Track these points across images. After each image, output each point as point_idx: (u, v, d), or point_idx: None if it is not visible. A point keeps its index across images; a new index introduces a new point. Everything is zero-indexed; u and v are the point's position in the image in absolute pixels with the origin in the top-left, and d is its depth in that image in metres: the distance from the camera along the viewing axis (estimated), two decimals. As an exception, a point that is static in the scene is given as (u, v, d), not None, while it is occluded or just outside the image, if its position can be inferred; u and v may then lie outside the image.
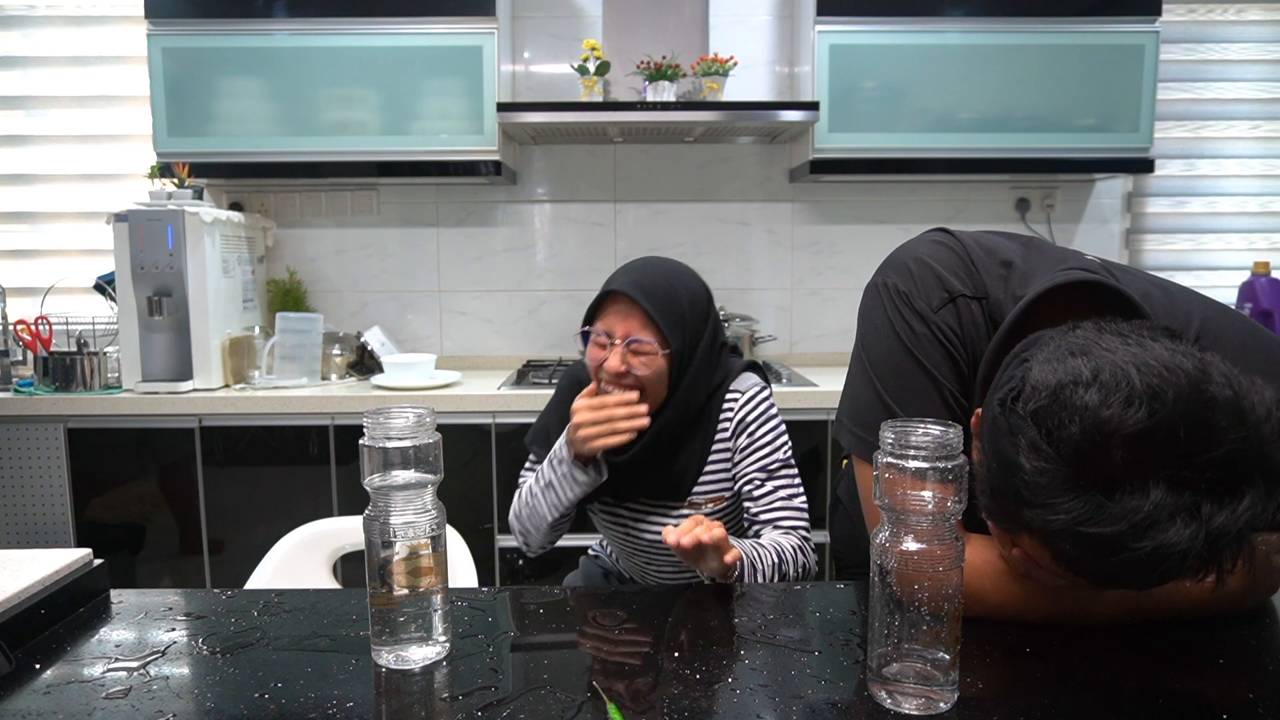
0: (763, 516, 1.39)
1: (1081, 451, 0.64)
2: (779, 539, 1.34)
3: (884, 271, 1.00)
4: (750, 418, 1.43)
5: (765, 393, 1.47)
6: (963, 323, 0.93)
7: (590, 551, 1.69)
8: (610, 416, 1.31)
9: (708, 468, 1.43)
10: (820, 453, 2.31)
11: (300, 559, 1.42)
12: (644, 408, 1.34)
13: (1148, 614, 0.85)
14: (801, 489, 1.42)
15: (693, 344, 1.41)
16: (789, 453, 1.44)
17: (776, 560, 1.29)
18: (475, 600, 0.95)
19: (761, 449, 1.43)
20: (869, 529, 0.98)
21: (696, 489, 1.43)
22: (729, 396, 1.44)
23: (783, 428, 1.45)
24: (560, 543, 1.56)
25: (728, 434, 1.43)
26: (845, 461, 1.11)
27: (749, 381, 1.47)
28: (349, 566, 2.12)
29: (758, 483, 1.41)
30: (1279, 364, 0.85)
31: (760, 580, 1.26)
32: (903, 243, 1.02)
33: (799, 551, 1.33)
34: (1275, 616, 0.91)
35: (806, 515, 1.40)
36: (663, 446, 1.42)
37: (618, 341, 1.36)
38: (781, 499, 1.40)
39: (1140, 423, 0.62)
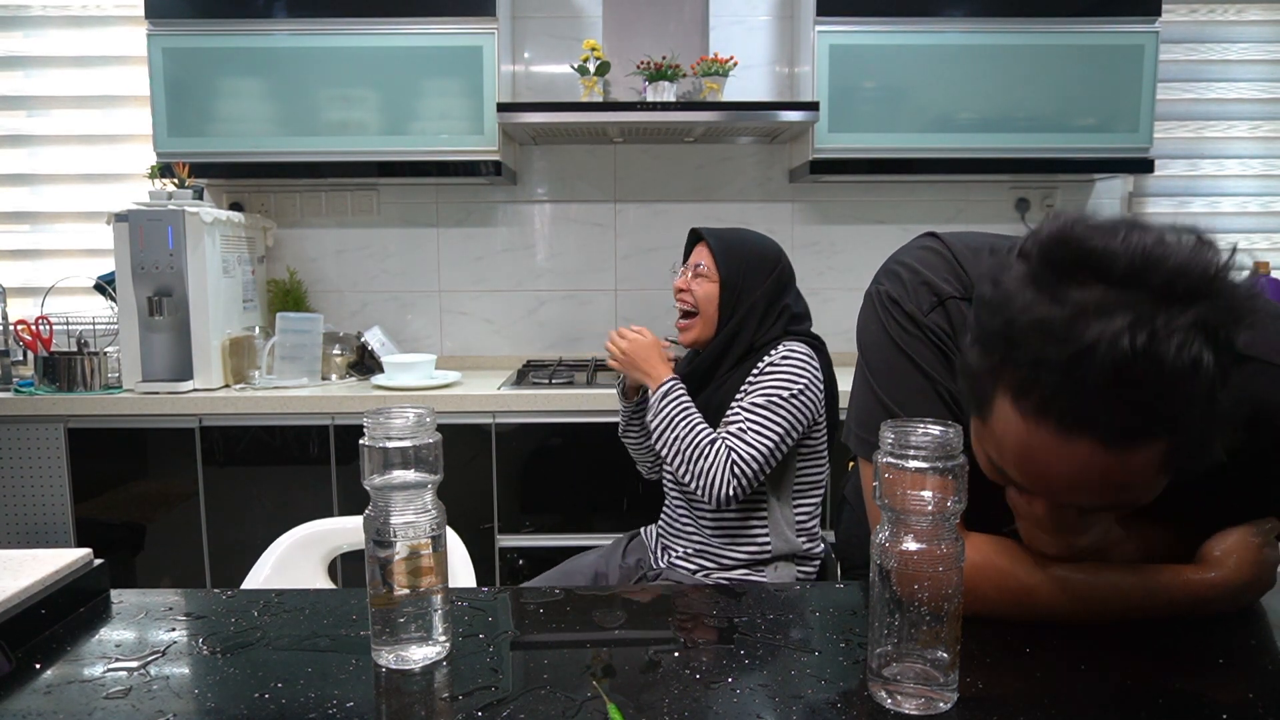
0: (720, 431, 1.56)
1: (1048, 247, 0.69)
2: (705, 430, 1.52)
3: (877, 279, 1.02)
4: (767, 365, 1.56)
5: (796, 351, 1.57)
6: (954, 324, 0.93)
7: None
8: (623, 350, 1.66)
9: (732, 406, 1.58)
10: (820, 453, 2.30)
11: (296, 559, 1.42)
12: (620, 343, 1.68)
13: (1148, 611, 0.86)
14: (763, 430, 1.51)
15: (750, 285, 1.61)
16: (773, 398, 1.53)
17: (688, 429, 1.51)
18: (475, 600, 0.95)
19: (754, 387, 1.55)
20: (871, 526, 0.98)
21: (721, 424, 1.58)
22: (773, 352, 1.57)
23: (787, 379, 1.54)
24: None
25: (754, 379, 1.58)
26: (850, 464, 1.13)
27: (792, 344, 1.58)
28: (349, 566, 2.12)
29: (732, 412, 1.55)
30: None
31: (655, 420, 1.56)
32: (897, 249, 1.03)
33: (708, 447, 1.50)
34: (1276, 619, 0.92)
35: (752, 452, 1.50)
36: (704, 375, 1.62)
37: (684, 269, 1.68)
38: (737, 422, 1.53)
39: (1138, 244, 0.66)
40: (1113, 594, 0.86)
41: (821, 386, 1.59)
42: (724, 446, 1.50)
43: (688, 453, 1.52)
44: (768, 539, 1.60)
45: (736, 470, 1.49)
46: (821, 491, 1.67)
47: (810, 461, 1.64)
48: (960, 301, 0.93)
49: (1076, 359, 0.65)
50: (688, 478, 1.52)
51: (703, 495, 1.51)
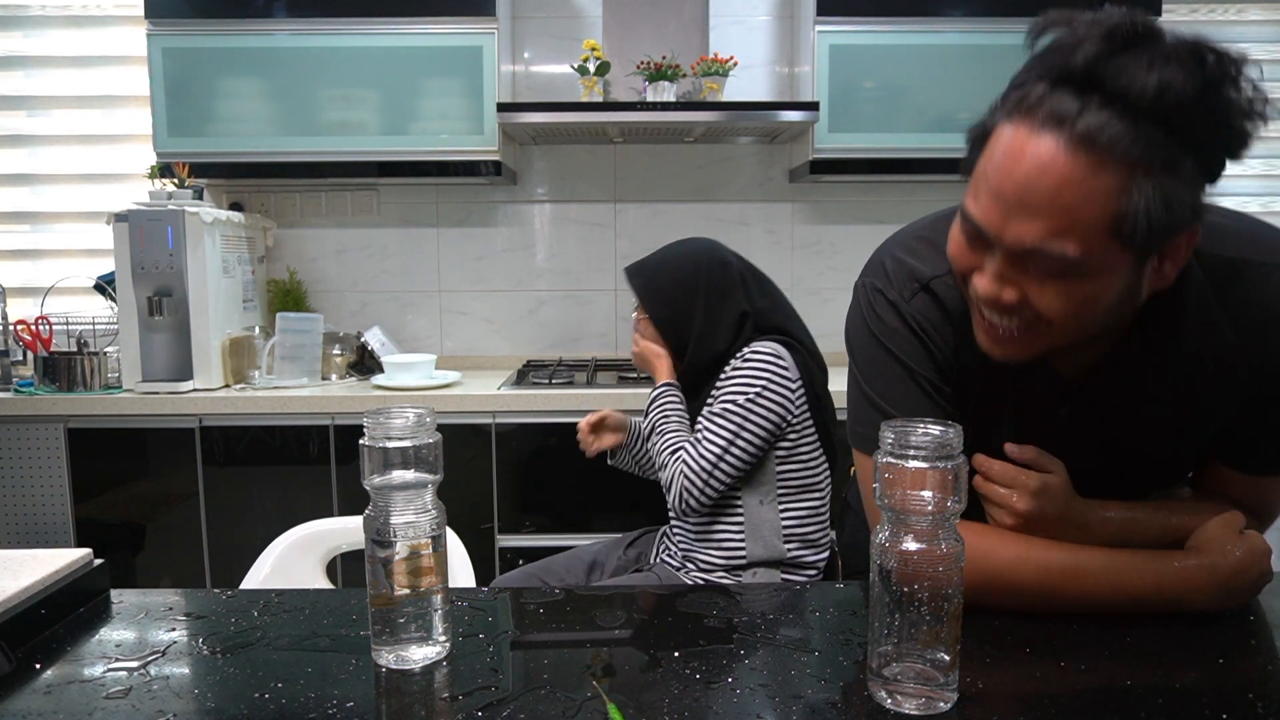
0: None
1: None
2: (674, 439, 1.58)
3: (862, 273, 1.02)
4: (730, 370, 1.56)
5: (757, 353, 1.56)
6: (943, 304, 0.93)
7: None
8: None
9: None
10: (820, 453, 2.30)
11: (296, 559, 1.42)
12: (590, 439, 1.76)
13: (1135, 595, 0.85)
14: (712, 436, 1.53)
15: (684, 314, 1.61)
16: (726, 403, 1.54)
17: (660, 438, 1.59)
18: (475, 600, 0.95)
19: (716, 396, 1.56)
20: (871, 525, 1.01)
21: None
22: (735, 357, 1.57)
23: (743, 383, 1.54)
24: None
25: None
26: (852, 469, 1.14)
27: (756, 345, 1.57)
28: (349, 566, 2.12)
29: (698, 422, 1.59)
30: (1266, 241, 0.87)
31: (645, 427, 1.65)
32: (887, 237, 1.04)
33: (669, 457, 1.55)
34: (1276, 619, 0.92)
35: (698, 459, 1.53)
36: (690, 394, 1.65)
37: (634, 313, 1.71)
38: (695, 431, 1.56)
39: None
40: (1094, 572, 0.85)
41: (791, 383, 1.54)
42: (680, 456, 1.54)
43: (657, 460, 1.59)
44: (742, 544, 1.57)
45: (685, 478, 1.52)
46: (820, 496, 1.62)
47: (795, 463, 1.58)
48: (945, 278, 0.92)
49: (1065, 64, 0.71)
50: (662, 484, 1.58)
51: (668, 502, 1.56)
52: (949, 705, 0.70)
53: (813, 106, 2.39)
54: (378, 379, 2.46)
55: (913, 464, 0.69)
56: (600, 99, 2.51)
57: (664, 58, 2.47)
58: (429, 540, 0.79)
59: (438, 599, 0.80)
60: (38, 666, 0.79)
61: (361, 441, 0.78)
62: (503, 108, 2.38)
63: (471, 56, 2.45)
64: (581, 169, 2.83)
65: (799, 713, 0.70)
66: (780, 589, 0.99)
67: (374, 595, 0.79)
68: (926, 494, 0.69)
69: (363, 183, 2.79)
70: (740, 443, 1.51)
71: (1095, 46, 0.70)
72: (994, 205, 0.75)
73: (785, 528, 1.58)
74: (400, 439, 0.77)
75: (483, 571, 2.29)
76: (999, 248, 0.76)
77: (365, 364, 2.60)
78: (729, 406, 1.52)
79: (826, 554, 1.63)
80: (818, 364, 1.63)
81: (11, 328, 2.48)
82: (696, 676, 0.76)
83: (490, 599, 0.96)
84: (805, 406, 1.57)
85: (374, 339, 2.60)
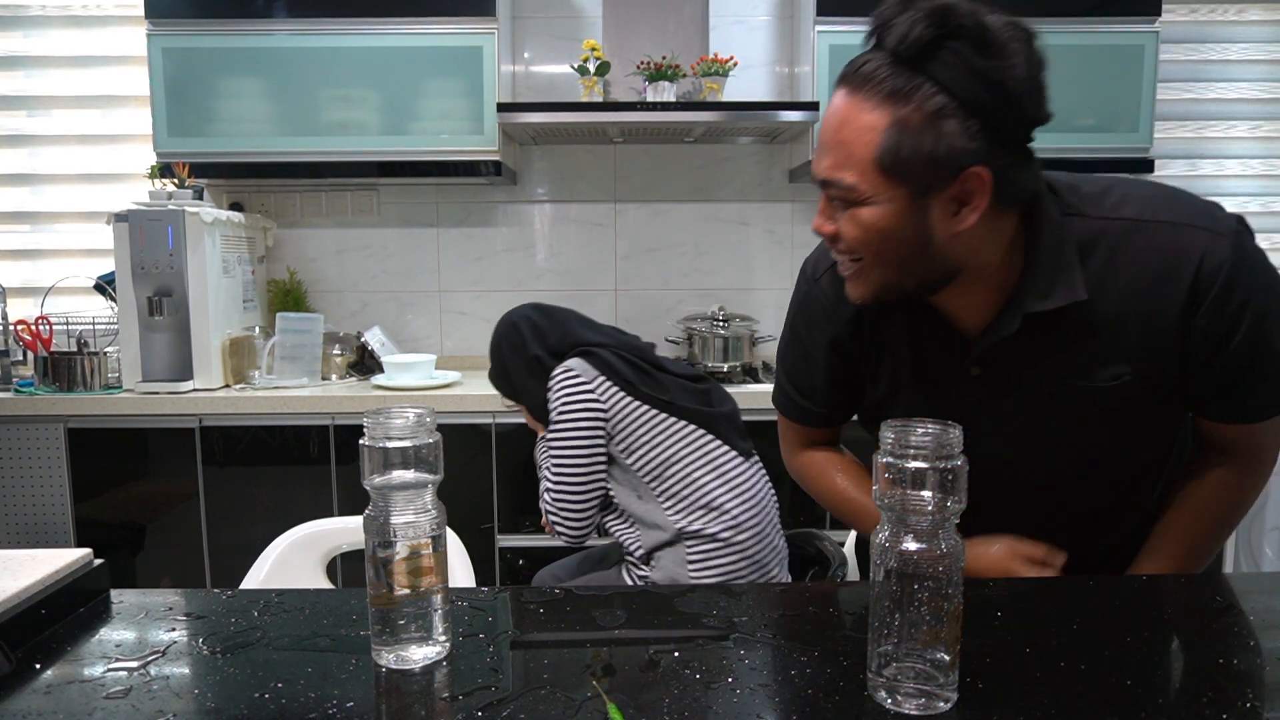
0: None
1: None
2: None
3: None
4: None
5: (551, 379, 1.63)
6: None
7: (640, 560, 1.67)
8: None
9: None
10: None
11: (295, 559, 1.42)
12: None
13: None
14: (548, 474, 1.61)
15: (508, 385, 1.74)
16: (548, 436, 1.62)
17: None
18: (475, 600, 0.95)
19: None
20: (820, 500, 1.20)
21: None
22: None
23: (551, 411, 1.60)
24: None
25: None
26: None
27: (553, 375, 1.64)
28: (349, 566, 2.12)
29: None
30: (1182, 205, 0.94)
31: None
32: None
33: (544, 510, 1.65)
34: (1275, 619, 0.92)
35: (547, 496, 1.62)
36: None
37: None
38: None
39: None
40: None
41: (588, 387, 1.57)
42: (542, 501, 1.67)
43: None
44: (637, 539, 1.60)
45: (549, 518, 1.65)
46: (695, 460, 1.57)
47: (644, 447, 1.57)
48: (819, 278, 1.08)
49: (869, 32, 0.89)
50: None
51: None
52: (949, 705, 0.70)
53: (813, 106, 2.39)
54: (378, 379, 2.46)
55: (913, 464, 0.69)
56: (600, 99, 2.51)
57: (664, 58, 2.47)
58: (429, 540, 0.79)
59: (438, 599, 0.80)
60: (38, 666, 0.79)
61: (361, 441, 0.78)
62: (503, 108, 2.38)
63: (471, 56, 2.45)
64: (581, 169, 2.83)
65: (799, 713, 0.70)
66: (780, 589, 0.99)
67: (374, 595, 0.79)
68: (926, 494, 0.69)
69: (363, 183, 2.79)
70: (567, 466, 1.58)
71: (889, 12, 0.85)
72: (815, 155, 0.92)
73: (672, 506, 1.57)
74: (400, 439, 0.77)
75: (483, 571, 2.29)
76: (819, 186, 0.91)
77: (365, 364, 2.60)
78: (547, 440, 1.63)
79: (730, 518, 1.57)
80: (633, 351, 1.66)
81: (12, 328, 2.48)
82: (696, 676, 0.76)
83: (490, 599, 0.96)
84: (621, 395, 1.58)
85: (374, 339, 2.60)
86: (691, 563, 1.55)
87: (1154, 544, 1.05)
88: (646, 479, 1.58)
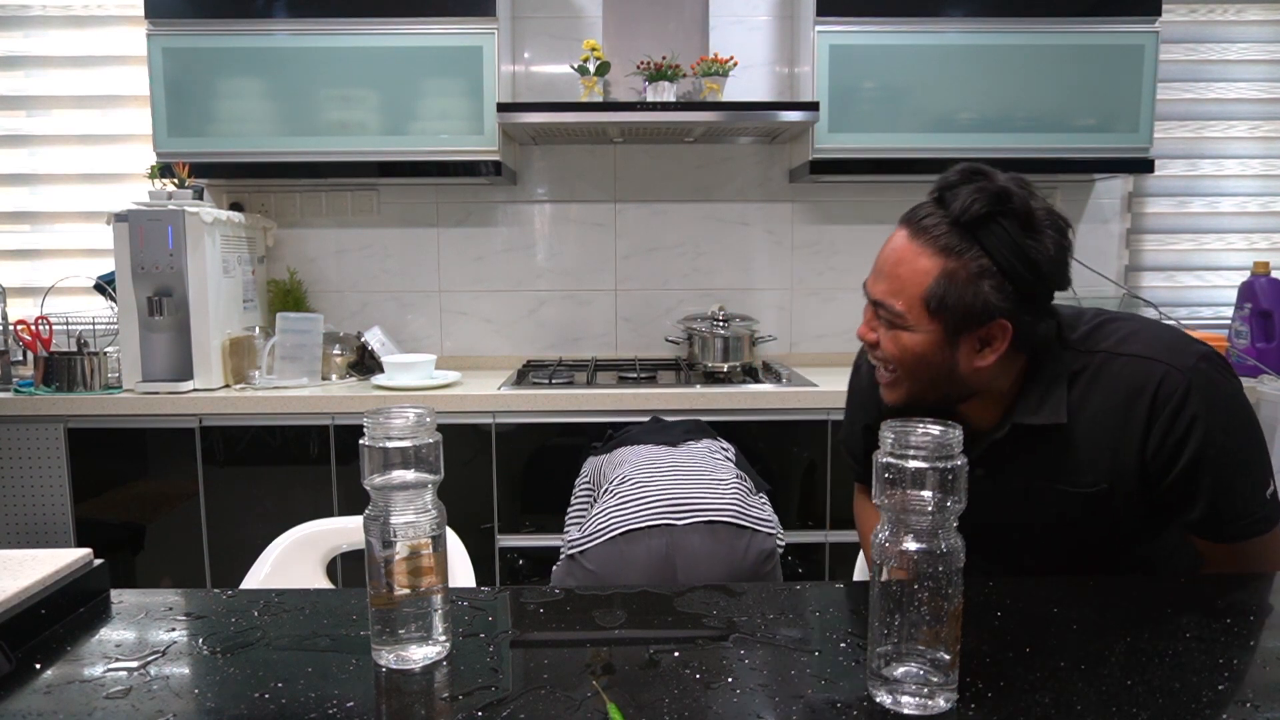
0: None
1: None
2: None
3: None
4: None
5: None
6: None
7: (571, 553, 1.67)
8: None
9: None
10: (820, 453, 2.30)
11: (295, 559, 1.42)
12: None
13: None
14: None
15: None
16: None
17: None
18: (475, 600, 0.95)
19: None
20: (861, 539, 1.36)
21: None
22: None
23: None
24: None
25: None
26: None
27: None
28: (349, 566, 2.12)
29: None
30: (1155, 340, 1.09)
31: None
32: None
33: None
34: (1275, 619, 0.92)
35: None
36: None
37: None
38: None
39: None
40: None
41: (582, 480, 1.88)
42: None
43: None
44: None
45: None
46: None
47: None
48: (862, 369, 1.29)
49: (936, 189, 1.05)
50: None
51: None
52: (949, 705, 0.70)
53: (813, 106, 2.39)
54: (378, 379, 2.46)
55: (913, 464, 0.69)
56: (600, 99, 2.51)
57: (664, 58, 2.47)
58: (429, 540, 0.79)
59: (438, 599, 0.80)
60: (38, 666, 0.79)
61: (361, 441, 0.78)
62: (503, 108, 2.38)
63: (471, 56, 2.45)
64: (581, 169, 2.83)
65: (799, 713, 0.70)
66: (780, 589, 0.99)
67: (374, 595, 0.79)
68: (926, 494, 0.69)
69: (363, 183, 2.79)
70: None
71: (954, 178, 1.04)
72: (871, 275, 1.10)
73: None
74: (400, 439, 0.77)
75: (483, 571, 2.29)
76: (869, 302, 1.10)
77: (365, 364, 2.60)
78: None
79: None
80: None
81: (11, 328, 2.48)
82: (696, 676, 0.76)
83: (490, 599, 0.96)
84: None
85: (374, 339, 2.60)
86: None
87: None
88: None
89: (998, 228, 1.00)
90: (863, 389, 1.29)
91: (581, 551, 1.58)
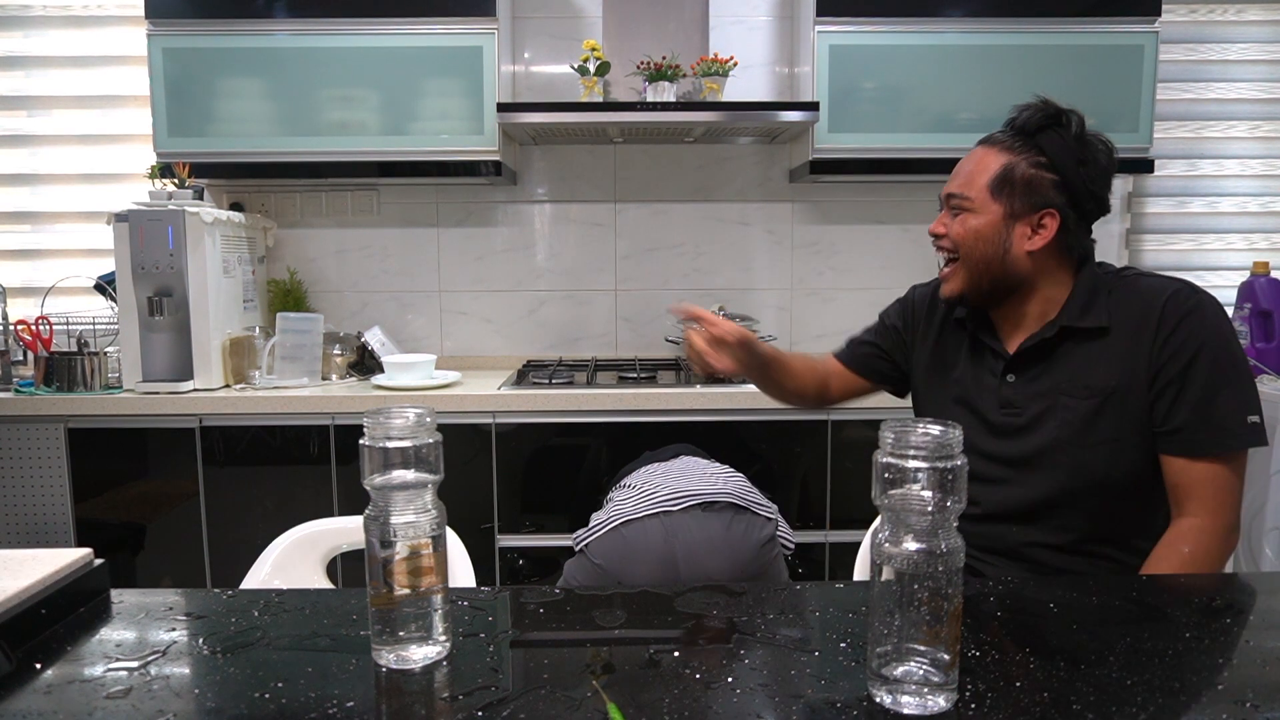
0: None
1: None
2: None
3: None
4: None
5: None
6: (931, 294, 1.44)
7: (579, 546, 1.67)
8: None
9: None
10: (820, 453, 2.31)
11: (296, 559, 1.42)
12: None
13: None
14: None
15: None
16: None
17: None
18: (475, 600, 0.95)
19: None
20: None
21: None
22: None
23: None
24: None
25: None
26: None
27: None
28: (349, 566, 2.12)
29: None
30: (1167, 276, 1.27)
31: None
32: None
33: None
34: (1275, 619, 0.92)
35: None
36: None
37: None
38: None
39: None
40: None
41: None
42: None
43: None
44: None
45: None
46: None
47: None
48: (918, 289, 1.49)
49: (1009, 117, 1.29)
50: None
51: None
52: (949, 705, 0.70)
53: (813, 106, 2.39)
54: (378, 379, 2.46)
55: (913, 464, 0.69)
56: (600, 99, 2.51)
57: (664, 58, 2.47)
58: (429, 540, 0.79)
59: (438, 599, 0.80)
60: (38, 666, 0.79)
61: (362, 441, 0.78)
62: (503, 108, 2.38)
63: (471, 56, 2.45)
64: (581, 169, 2.83)
65: (799, 713, 0.70)
66: (780, 589, 0.99)
67: (374, 595, 0.79)
68: (926, 494, 0.69)
69: (363, 183, 2.79)
70: None
71: (1021, 107, 1.28)
72: (949, 180, 1.31)
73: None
74: (400, 439, 0.77)
75: (483, 571, 2.29)
76: (943, 203, 1.32)
77: (365, 364, 2.60)
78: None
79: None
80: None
81: (12, 328, 2.48)
82: (696, 676, 0.76)
83: (490, 599, 0.96)
84: None
85: (374, 339, 2.60)
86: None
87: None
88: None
89: (1054, 134, 1.22)
90: (907, 301, 1.47)
91: (586, 545, 1.61)
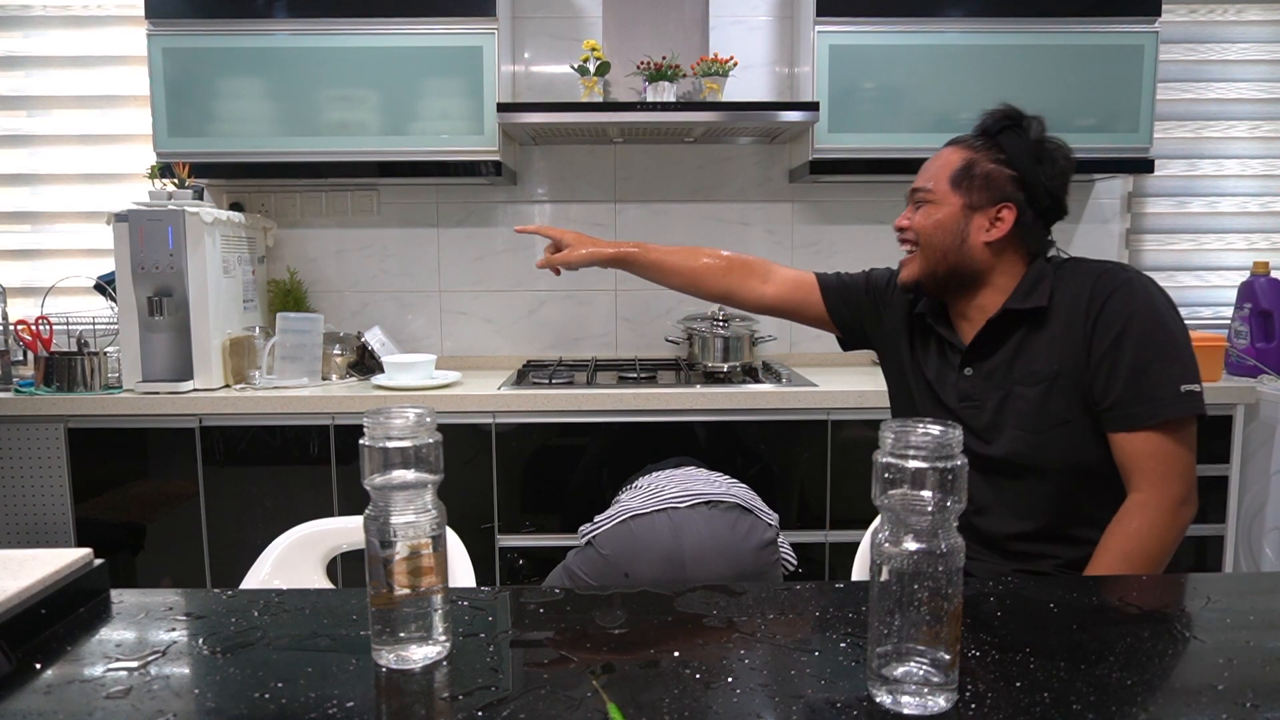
0: None
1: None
2: None
3: None
4: None
5: None
6: (896, 275, 1.48)
7: (586, 538, 1.70)
8: None
9: None
10: (820, 453, 2.30)
11: (296, 559, 1.42)
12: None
13: None
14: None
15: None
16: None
17: None
18: (475, 600, 0.95)
19: None
20: None
21: None
22: None
23: None
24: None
25: None
26: None
27: None
28: (349, 566, 2.12)
29: None
30: (1103, 261, 1.34)
31: None
32: None
33: None
34: (1275, 619, 0.92)
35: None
36: None
37: None
38: None
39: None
40: None
41: None
42: None
43: None
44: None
45: None
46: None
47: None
48: (886, 270, 1.59)
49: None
50: None
51: None
52: (949, 705, 0.70)
53: (813, 107, 2.39)
54: (378, 379, 2.46)
55: (913, 464, 0.69)
56: (600, 99, 2.51)
57: (664, 58, 2.47)
58: (429, 540, 0.79)
59: (438, 599, 0.80)
60: (38, 666, 0.79)
61: (361, 441, 0.78)
62: (503, 108, 2.38)
63: (471, 56, 2.45)
64: (581, 169, 2.83)
65: (799, 713, 0.70)
66: (780, 589, 0.99)
67: (374, 595, 0.79)
68: (926, 494, 0.69)
69: (363, 183, 2.79)
70: None
71: (985, 114, 1.37)
72: (917, 177, 1.39)
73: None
74: (400, 439, 0.77)
75: (483, 571, 2.29)
76: (909, 199, 1.40)
77: (365, 364, 2.60)
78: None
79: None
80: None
81: (12, 328, 2.48)
82: (696, 676, 0.76)
83: (490, 599, 0.96)
84: None
85: (374, 339, 2.60)
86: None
87: (1094, 560, 1.25)
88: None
89: (1014, 135, 1.31)
90: (883, 274, 1.59)
91: (594, 536, 1.63)
